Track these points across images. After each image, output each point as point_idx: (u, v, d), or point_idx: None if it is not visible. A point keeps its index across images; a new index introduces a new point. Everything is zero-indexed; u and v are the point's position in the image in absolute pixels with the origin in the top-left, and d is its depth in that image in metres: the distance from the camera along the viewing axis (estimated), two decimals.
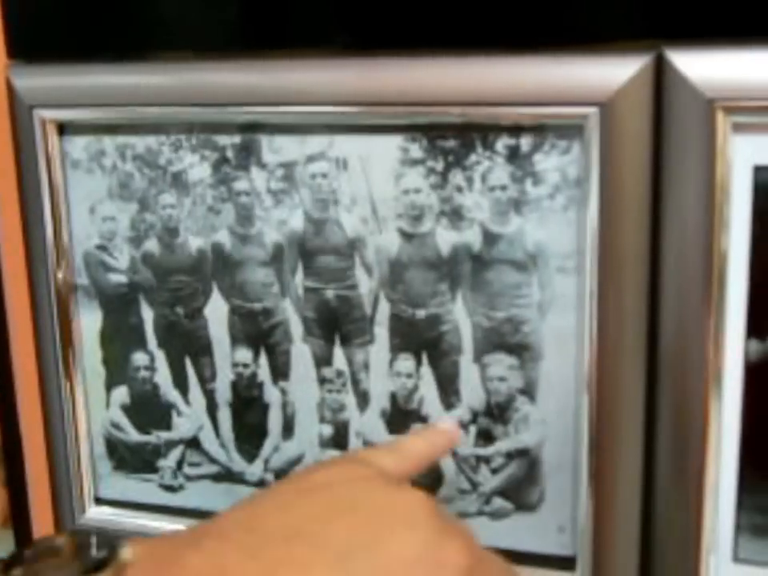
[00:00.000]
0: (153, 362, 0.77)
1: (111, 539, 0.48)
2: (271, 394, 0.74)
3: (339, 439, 0.73)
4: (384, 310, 0.69)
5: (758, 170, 0.58)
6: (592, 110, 0.59)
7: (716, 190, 0.58)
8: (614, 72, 0.59)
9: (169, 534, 0.53)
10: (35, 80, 0.74)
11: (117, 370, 0.79)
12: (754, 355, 0.61)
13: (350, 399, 0.71)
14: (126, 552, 0.47)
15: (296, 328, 0.72)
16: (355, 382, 0.71)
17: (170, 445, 0.79)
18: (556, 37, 0.60)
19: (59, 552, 0.48)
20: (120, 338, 0.78)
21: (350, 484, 0.52)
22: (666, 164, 0.59)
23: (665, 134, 0.59)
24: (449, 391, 0.69)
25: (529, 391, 0.66)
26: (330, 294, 0.70)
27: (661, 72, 0.58)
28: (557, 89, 0.60)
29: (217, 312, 0.74)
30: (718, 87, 0.57)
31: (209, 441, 0.77)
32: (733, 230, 0.59)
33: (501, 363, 0.67)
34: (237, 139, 0.70)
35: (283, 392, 0.73)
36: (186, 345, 0.76)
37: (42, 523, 0.84)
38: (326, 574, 0.46)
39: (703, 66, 0.57)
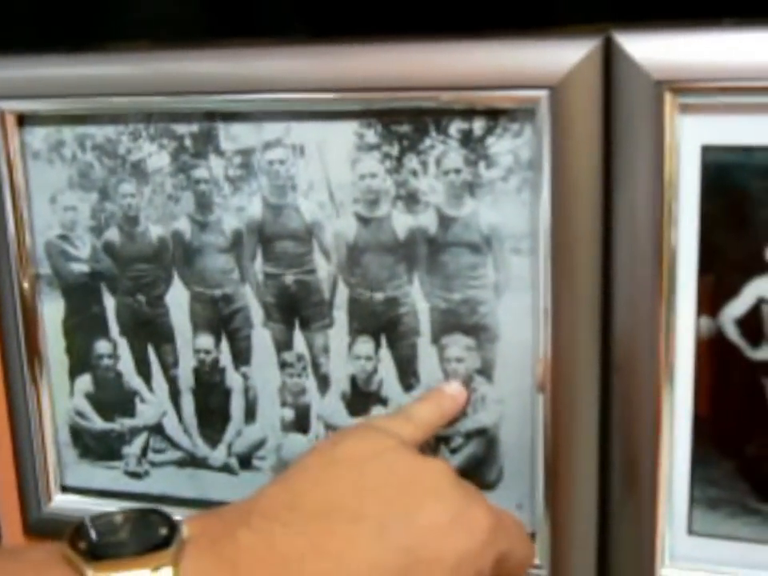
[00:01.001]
0: (116, 350, 0.78)
1: (167, 516, 0.50)
2: (233, 380, 0.75)
3: (301, 423, 0.73)
4: (342, 294, 0.70)
5: (706, 150, 0.59)
6: (543, 94, 0.60)
7: (665, 169, 0.59)
8: (564, 55, 0.60)
9: (215, 510, 0.54)
10: None
11: (80, 359, 0.79)
12: (705, 332, 0.62)
13: (310, 383, 0.72)
14: (185, 529, 0.48)
15: (256, 313, 0.72)
16: (315, 366, 0.72)
17: (134, 432, 0.79)
18: (506, 22, 0.61)
19: (119, 528, 0.49)
20: (83, 327, 0.78)
21: (376, 458, 0.55)
22: (616, 145, 0.60)
23: (614, 115, 0.60)
24: (408, 373, 0.69)
25: (486, 371, 0.67)
26: (289, 279, 0.71)
27: (609, 55, 0.59)
28: (508, 73, 0.61)
29: (178, 299, 0.75)
30: (665, 69, 0.58)
31: (172, 427, 0.78)
32: (682, 207, 0.60)
33: (458, 344, 0.68)
34: (194, 128, 0.70)
35: (245, 377, 0.74)
36: (149, 332, 0.76)
37: (8, 512, 0.84)
38: (369, 545, 0.50)
39: (651, 49, 0.58)
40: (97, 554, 0.47)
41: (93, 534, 0.48)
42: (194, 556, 0.47)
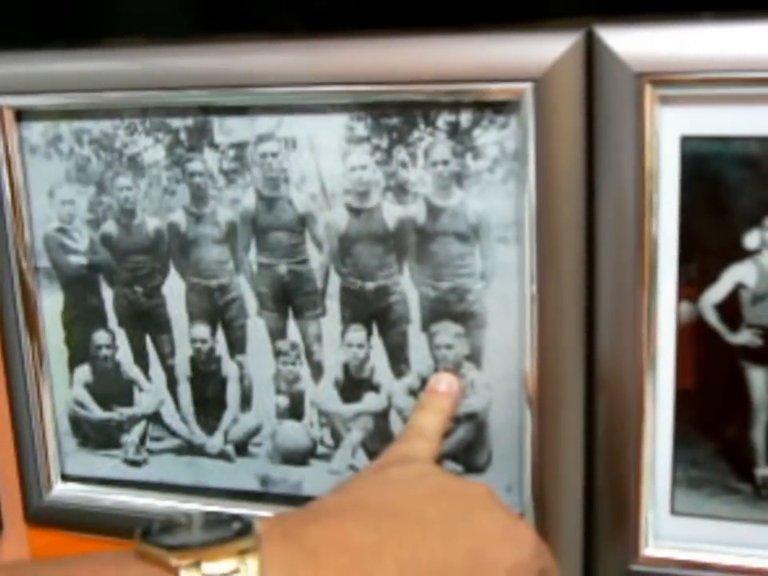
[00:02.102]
0: (114, 341, 0.79)
1: (233, 514, 0.50)
2: (229, 368, 0.76)
3: (295, 409, 0.75)
4: (335, 283, 0.71)
5: (685, 140, 0.61)
6: (527, 86, 0.62)
7: (646, 159, 0.61)
8: (547, 49, 0.61)
9: (278, 515, 0.55)
10: None
11: (79, 350, 0.81)
12: (686, 317, 0.64)
13: (304, 370, 0.74)
14: (257, 525, 0.48)
15: (251, 303, 0.74)
16: (309, 354, 0.74)
17: (133, 420, 0.81)
18: (491, 16, 0.63)
19: (189, 526, 0.48)
20: (81, 318, 0.80)
21: (424, 478, 0.58)
22: (598, 135, 0.62)
23: (596, 107, 0.61)
24: (399, 359, 0.71)
25: (474, 357, 0.69)
26: (282, 269, 0.72)
27: (591, 48, 0.61)
28: (493, 66, 0.62)
29: (174, 290, 0.76)
30: (645, 62, 0.60)
31: (170, 415, 0.79)
32: (662, 196, 0.62)
33: (447, 331, 0.69)
34: (189, 122, 0.72)
35: (240, 365, 0.76)
36: (146, 323, 0.78)
37: (10, 500, 0.86)
38: (439, 544, 0.52)
39: (631, 42, 0.60)
40: (176, 546, 0.46)
41: (165, 532, 0.47)
42: (273, 545, 0.47)
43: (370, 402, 0.73)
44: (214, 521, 0.48)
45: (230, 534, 0.47)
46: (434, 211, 0.67)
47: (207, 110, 0.71)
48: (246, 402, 0.77)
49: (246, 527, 0.47)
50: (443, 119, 0.66)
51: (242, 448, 0.78)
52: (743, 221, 0.61)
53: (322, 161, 0.69)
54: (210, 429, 0.79)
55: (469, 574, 0.52)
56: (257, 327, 0.75)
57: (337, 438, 0.75)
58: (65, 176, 0.77)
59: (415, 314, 0.70)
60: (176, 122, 0.72)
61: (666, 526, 0.67)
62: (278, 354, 0.74)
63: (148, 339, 0.78)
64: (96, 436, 0.83)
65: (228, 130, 0.71)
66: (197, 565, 0.45)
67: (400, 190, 0.68)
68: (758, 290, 0.62)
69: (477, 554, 0.53)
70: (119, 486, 0.83)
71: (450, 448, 0.71)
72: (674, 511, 0.67)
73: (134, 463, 0.82)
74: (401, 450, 0.63)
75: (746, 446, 0.65)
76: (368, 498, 0.55)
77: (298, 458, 0.76)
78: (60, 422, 0.83)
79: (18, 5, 0.76)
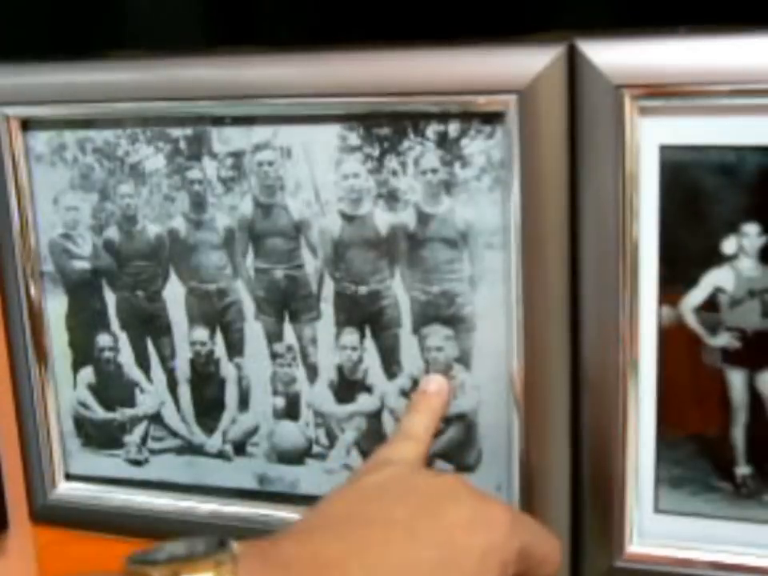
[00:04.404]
0: (116, 343, 0.82)
1: (211, 536, 0.50)
2: (227, 370, 0.78)
3: (291, 410, 0.77)
4: (329, 288, 0.74)
5: (664, 149, 0.63)
6: (512, 98, 0.64)
7: (626, 167, 0.63)
8: (531, 62, 0.63)
9: (255, 539, 0.55)
10: None
11: (82, 352, 0.83)
12: (667, 320, 0.66)
13: (300, 372, 0.76)
14: (234, 543, 0.49)
15: (248, 307, 0.76)
16: (304, 356, 0.76)
17: (135, 421, 0.83)
18: (478, 31, 0.65)
19: (170, 546, 0.49)
20: (85, 322, 0.82)
21: (396, 481, 0.59)
22: (580, 145, 0.64)
23: (578, 117, 0.63)
24: (391, 362, 0.73)
25: (464, 359, 0.71)
26: (278, 274, 0.75)
27: (573, 61, 0.63)
28: (479, 79, 0.65)
29: (175, 294, 0.79)
30: (625, 74, 0.62)
31: (170, 416, 0.82)
32: (643, 203, 0.64)
33: (437, 334, 0.71)
34: (189, 131, 0.74)
35: (238, 367, 0.78)
36: (147, 326, 0.80)
37: (15, 499, 0.88)
38: (405, 544, 0.53)
39: (611, 56, 0.62)
40: (157, 560, 0.47)
41: (149, 553, 0.48)
42: (249, 561, 0.49)
43: (364, 402, 0.75)
44: (192, 541, 0.50)
45: (209, 548, 0.48)
46: (423, 218, 0.69)
47: (206, 120, 0.74)
48: (243, 402, 0.79)
49: (223, 544, 0.49)
50: (432, 129, 0.68)
51: (240, 448, 0.80)
52: (721, 227, 0.63)
53: (316, 169, 0.71)
54: (209, 429, 0.81)
55: (440, 566, 0.53)
56: (254, 330, 0.77)
57: (332, 438, 0.77)
58: (69, 183, 0.79)
59: (406, 318, 0.72)
60: (176, 132, 0.75)
61: (650, 524, 0.69)
62: (274, 356, 0.76)
63: (149, 342, 0.81)
64: (99, 436, 0.85)
65: (226, 139, 0.73)
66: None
67: (391, 198, 0.70)
68: (735, 294, 0.64)
69: (446, 546, 0.54)
70: (121, 485, 0.85)
71: (440, 447, 0.73)
72: (657, 509, 0.69)
73: (136, 462, 0.84)
74: (383, 454, 0.64)
75: (727, 445, 0.66)
76: (337, 512, 0.57)
77: (295, 457, 0.78)
78: (64, 423, 0.85)
79: (24, 18, 0.78)
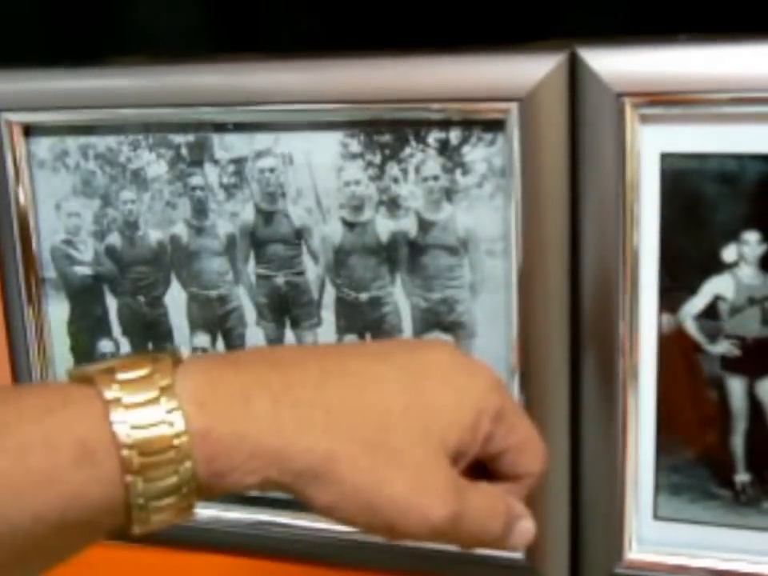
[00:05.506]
0: (118, 349, 0.82)
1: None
2: None
3: None
4: (330, 294, 0.74)
5: (664, 157, 0.63)
6: (513, 105, 0.64)
7: (627, 175, 0.63)
8: (532, 70, 0.64)
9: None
10: (2, 85, 0.78)
11: (84, 357, 0.83)
12: (667, 328, 0.66)
13: None
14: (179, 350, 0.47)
15: (249, 313, 0.77)
16: None
17: None
18: (479, 39, 0.65)
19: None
20: (86, 327, 0.83)
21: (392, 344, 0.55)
22: (581, 153, 0.64)
23: (579, 125, 0.64)
24: None
25: None
26: (279, 280, 0.75)
27: (574, 69, 0.63)
28: (480, 86, 0.65)
29: (176, 300, 0.79)
30: (626, 82, 0.62)
31: None
32: (643, 211, 0.64)
33: None
34: (191, 138, 0.74)
35: None
36: (149, 331, 0.80)
37: None
38: (375, 362, 0.48)
39: (612, 64, 0.62)
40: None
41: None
42: (193, 360, 0.46)
43: None
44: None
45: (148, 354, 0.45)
46: (424, 225, 0.70)
47: (208, 127, 0.74)
48: None
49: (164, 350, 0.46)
50: (433, 137, 0.68)
51: None
52: (721, 235, 0.63)
53: (317, 176, 0.71)
54: None
55: (405, 388, 0.47)
56: (255, 336, 0.77)
57: None
58: (71, 189, 0.79)
59: (407, 324, 0.72)
60: (178, 138, 0.75)
61: (649, 531, 0.69)
62: None
63: (151, 347, 0.81)
64: None
65: (228, 146, 0.74)
66: (110, 371, 0.43)
67: (392, 205, 0.70)
68: (735, 301, 0.64)
69: (413, 371, 0.48)
70: None
71: None
72: (656, 516, 0.69)
73: None
74: None
75: (726, 452, 0.67)
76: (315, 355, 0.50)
77: None
78: None
79: (27, 24, 0.78)
